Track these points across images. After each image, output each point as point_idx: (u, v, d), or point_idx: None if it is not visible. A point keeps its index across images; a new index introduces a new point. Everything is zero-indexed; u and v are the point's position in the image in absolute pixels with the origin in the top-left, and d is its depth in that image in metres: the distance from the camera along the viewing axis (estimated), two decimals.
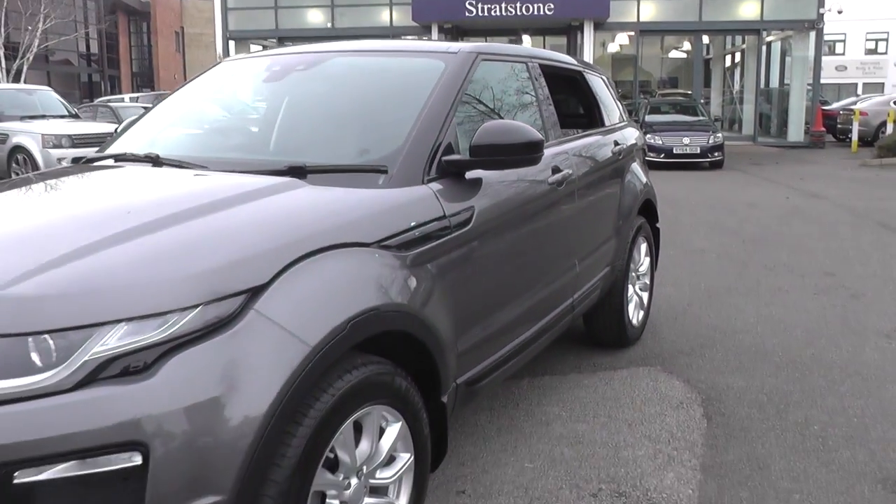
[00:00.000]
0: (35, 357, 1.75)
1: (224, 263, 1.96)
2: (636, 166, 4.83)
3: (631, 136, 4.94)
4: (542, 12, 22.06)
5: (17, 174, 13.62)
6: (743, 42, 27.28)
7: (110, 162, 3.16)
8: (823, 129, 23.63)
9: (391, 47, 3.78)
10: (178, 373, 1.79)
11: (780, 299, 5.91)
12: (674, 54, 30.12)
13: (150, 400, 1.75)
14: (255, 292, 1.94)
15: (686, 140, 16.78)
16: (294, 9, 25.69)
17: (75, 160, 15.64)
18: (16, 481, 1.69)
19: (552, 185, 3.43)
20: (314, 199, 2.42)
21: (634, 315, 4.77)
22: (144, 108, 18.43)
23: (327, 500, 2.13)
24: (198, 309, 1.84)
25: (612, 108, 4.86)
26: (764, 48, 25.67)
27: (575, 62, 4.57)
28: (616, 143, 4.49)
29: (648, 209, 4.96)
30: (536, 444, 3.47)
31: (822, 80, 25.62)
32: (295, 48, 3.83)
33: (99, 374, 1.75)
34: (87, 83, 39.77)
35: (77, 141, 13.76)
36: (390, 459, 2.36)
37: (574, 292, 3.79)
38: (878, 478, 3.18)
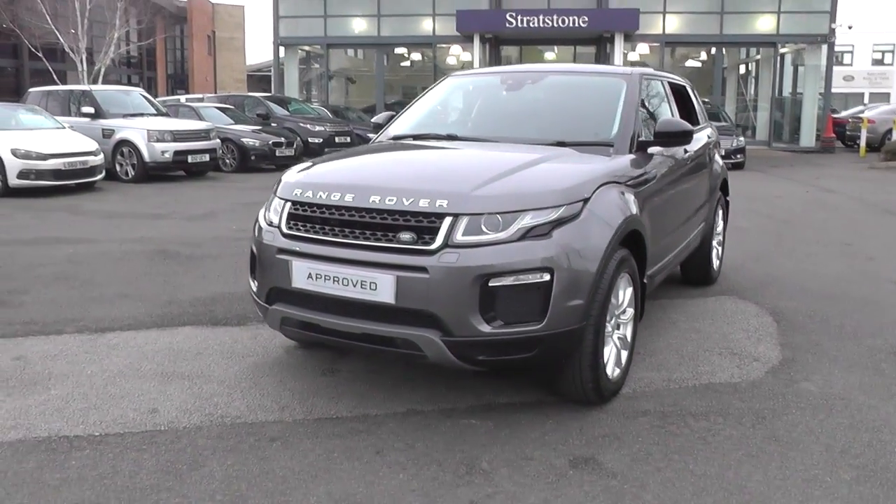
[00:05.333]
0: (488, 227, 3.57)
1: (573, 185, 3.80)
2: (717, 154, 6.69)
3: (713, 133, 6.81)
4: (577, 24, 23.82)
5: (122, 165, 15.46)
6: (758, 53, 29.15)
7: (410, 140, 4.95)
8: (833, 135, 25.48)
9: (586, 69, 5.69)
10: (560, 236, 3.62)
11: (812, 259, 7.81)
12: (689, 63, 31.70)
13: (552, 247, 3.58)
14: (586, 200, 3.78)
15: None
16: (341, 17, 27.47)
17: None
18: (490, 284, 3.52)
19: (686, 159, 5.31)
20: (589, 159, 4.29)
21: (715, 261, 6.63)
22: (217, 107, 20.03)
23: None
24: (564, 207, 3.68)
25: (701, 112, 6.72)
26: (778, 59, 27.49)
27: (682, 81, 6.43)
28: (708, 137, 6.36)
29: (724, 186, 6.82)
30: (670, 334, 5.35)
31: (831, 90, 27.35)
32: (509, 68, 5.69)
33: (525, 235, 3.58)
34: (126, 84, 41.54)
35: (177, 136, 15.57)
36: (624, 311, 4.20)
37: (691, 233, 5.66)
38: (891, 351, 5.03)
